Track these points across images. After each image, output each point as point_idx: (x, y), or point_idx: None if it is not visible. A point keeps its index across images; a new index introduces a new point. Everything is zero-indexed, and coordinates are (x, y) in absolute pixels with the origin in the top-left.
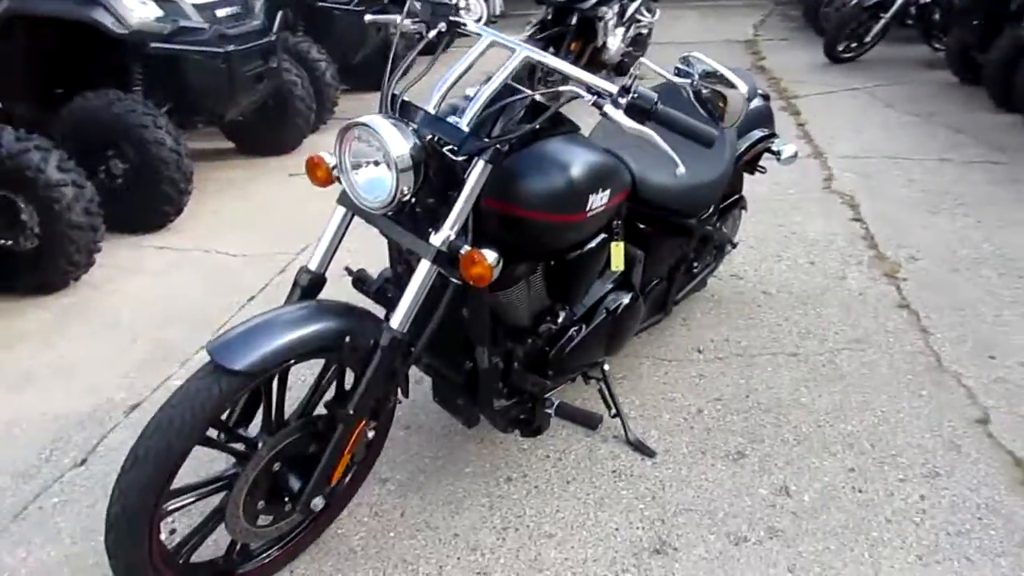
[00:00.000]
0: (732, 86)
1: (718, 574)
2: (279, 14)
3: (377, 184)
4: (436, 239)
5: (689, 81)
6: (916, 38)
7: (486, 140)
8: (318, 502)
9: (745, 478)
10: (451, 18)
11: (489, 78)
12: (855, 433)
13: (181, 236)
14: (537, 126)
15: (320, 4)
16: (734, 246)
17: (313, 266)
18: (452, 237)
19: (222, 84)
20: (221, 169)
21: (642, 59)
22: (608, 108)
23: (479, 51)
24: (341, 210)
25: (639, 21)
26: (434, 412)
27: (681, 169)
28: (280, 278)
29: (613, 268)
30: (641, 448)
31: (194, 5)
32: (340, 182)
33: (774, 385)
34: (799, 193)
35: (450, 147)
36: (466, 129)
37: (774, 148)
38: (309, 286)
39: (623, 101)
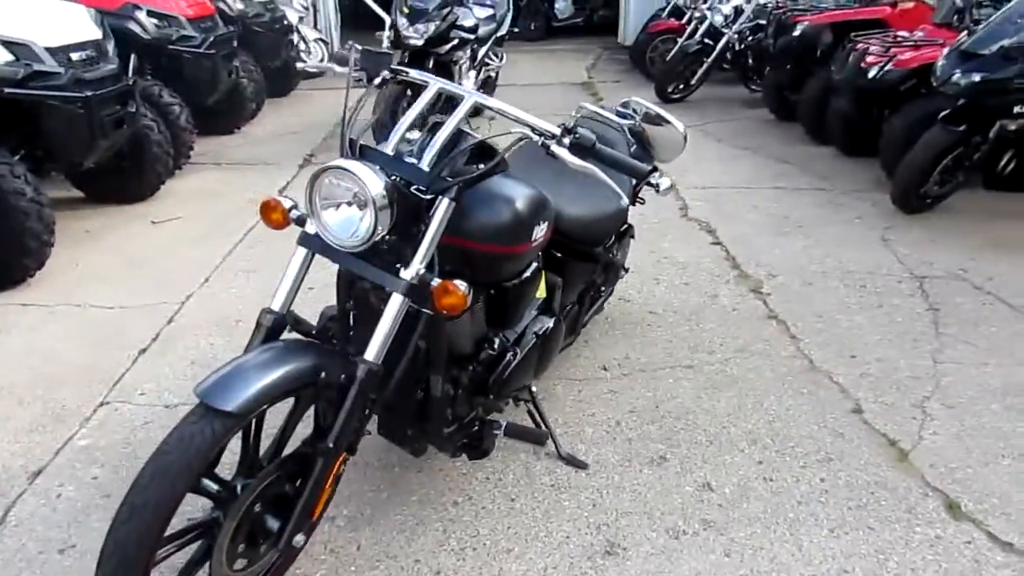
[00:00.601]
0: (672, 126)
1: (666, 566)
2: (131, 58)
3: (349, 224)
4: (407, 273)
5: (632, 122)
6: (734, 80)
7: (449, 179)
8: (299, 539)
9: (671, 479)
10: (391, 66)
11: (437, 122)
12: (756, 431)
13: (44, 291)
14: (494, 165)
15: (169, 47)
16: (626, 271)
17: (276, 306)
18: (422, 270)
19: (81, 130)
20: (75, 219)
21: (583, 104)
22: (555, 147)
23: (428, 97)
24: (302, 251)
25: (488, 64)
26: (371, 447)
27: (625, 201)
28: (170, 329)
29: (537, 295)
30: (573, 462)
31: (47, 49)
32: (299, 224)
33: (678, 395)
34: (662, 222)
35: (415, 186)
36: (427, 169)
37: (653, 181)
38: (273, 327)
39: (567, 141)
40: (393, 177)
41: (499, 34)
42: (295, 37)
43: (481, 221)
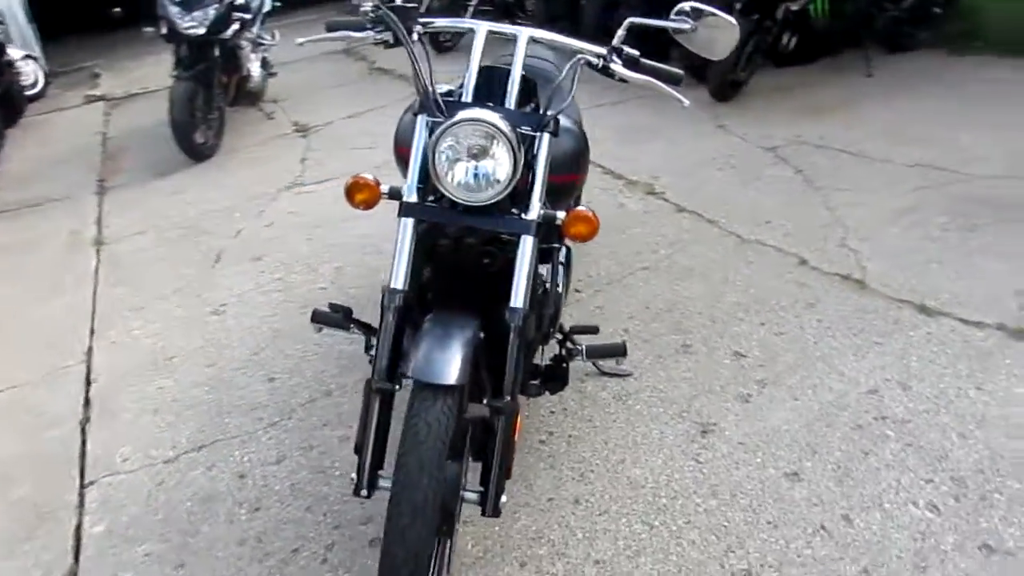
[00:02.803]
0: (727, 20)
1: (759, 425)
2: None
3: (477, 177)
4: (532, 214)
5: (691, 26)
6: (493, 15)
7: (547, 115)
8: (504, 499)
9: (705, 360)
10: (420, 19)
11: (488, 66)
12: (740, 301)
13: None
14: (572, 97)
15: None
16: None
17: (399, 285)
18: (542, 208)
19: None
20: None
21: (632, 19)
22: (614, 66)
23: (481, 42)
24: (409, 222)
25: (262, 44)
26: None
27: (686, 102)
28: (97, 390)
29: None
30: (617, 373)
31: None
32: (393, 198)
33: (656, 292)
34: None
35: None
36: (514, 108)
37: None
38: (404, 305)
39: (618, 59)
40: None
41: (265, 10)
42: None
43: (557, 152)
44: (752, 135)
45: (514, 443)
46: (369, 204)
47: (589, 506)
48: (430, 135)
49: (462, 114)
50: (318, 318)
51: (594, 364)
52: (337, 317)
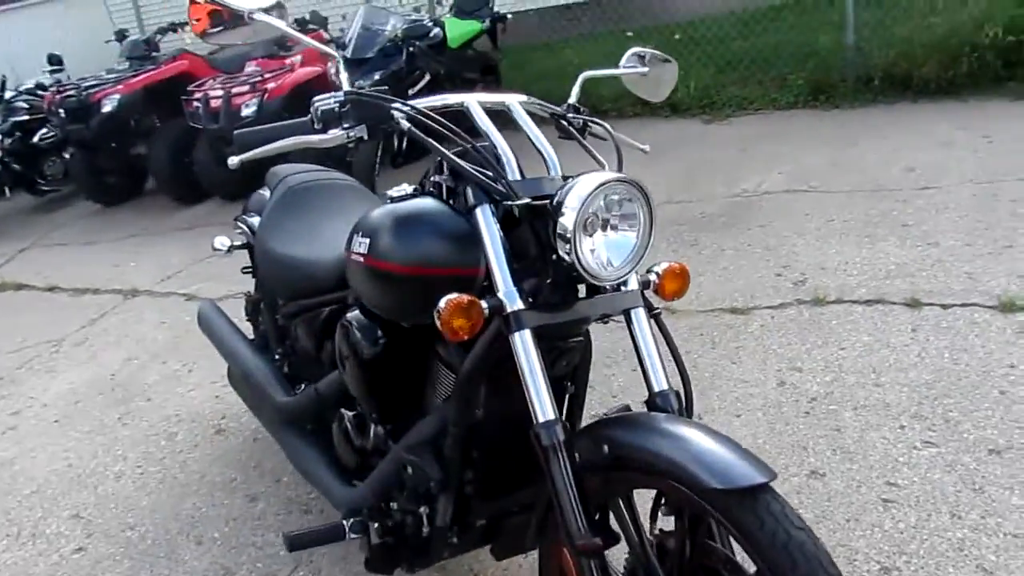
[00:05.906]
0: (669, 60)
1: None
2: None
3: (615, 249)
4: (633, 282)
5: (645, 71)
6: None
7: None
8: None
9: None
10: (396, 105)
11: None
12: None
13: None
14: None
15: None
16: None
17: (550, 414)
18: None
19: None
20: None
21: (587, 72)
22: (595, 127)
23: (483, 113)
24: (527, 335)
25: None
26: None
27: (647, 148)
28: None
29: None
30: None
31: None
32: (496, 312)
33: None
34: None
35: None
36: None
37: None
38: (566, 438)
39: (581, 117)
40: None
41: None
42: None
43: None
44: None
45: None
46: (470, 331)
47: None
48: (503, 223)
49: (598, 176)
50: (300, 542)
51: None
52: (332, 528)
